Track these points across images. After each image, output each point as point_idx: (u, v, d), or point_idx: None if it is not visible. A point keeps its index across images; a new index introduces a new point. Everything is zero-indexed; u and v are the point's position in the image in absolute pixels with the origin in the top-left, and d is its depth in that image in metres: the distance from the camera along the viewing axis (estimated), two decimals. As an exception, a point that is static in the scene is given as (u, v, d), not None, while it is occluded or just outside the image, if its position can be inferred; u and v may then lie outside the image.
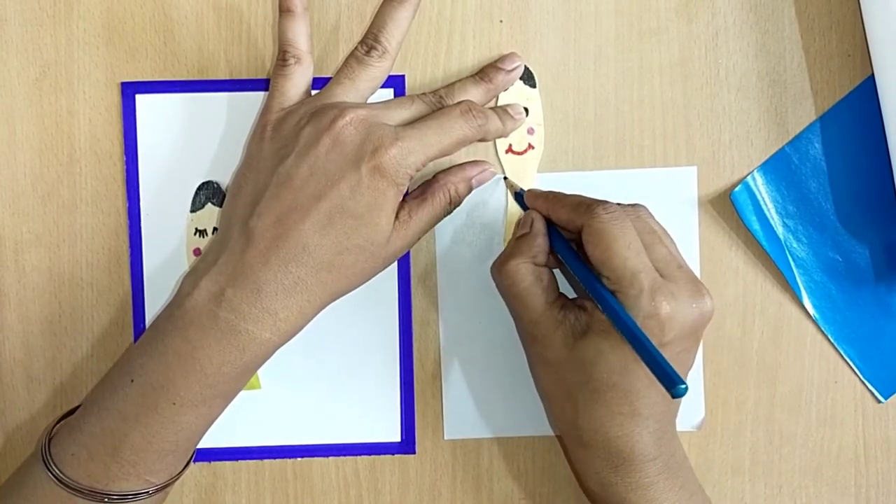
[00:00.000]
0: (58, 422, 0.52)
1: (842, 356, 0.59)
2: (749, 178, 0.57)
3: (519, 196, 0.56)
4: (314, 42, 0.56)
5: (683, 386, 0.44)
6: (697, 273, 0.58)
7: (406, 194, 0.54)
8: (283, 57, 0.54)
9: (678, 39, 0.58)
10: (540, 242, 0.53)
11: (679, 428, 0.57)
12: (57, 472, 0.49)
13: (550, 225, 0.54)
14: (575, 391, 0.50)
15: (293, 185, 0.50)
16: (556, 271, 0.56)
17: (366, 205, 0.50)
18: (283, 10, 0.54)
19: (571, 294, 0.57)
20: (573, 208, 0.52)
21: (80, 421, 0.50)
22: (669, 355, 0.48)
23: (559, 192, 0.55)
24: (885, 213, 0.58)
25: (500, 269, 0.53)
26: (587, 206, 0.51)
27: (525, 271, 0.52)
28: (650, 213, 0.52)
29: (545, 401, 0.57)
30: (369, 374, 0.58)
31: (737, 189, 0.57)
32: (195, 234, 0.57)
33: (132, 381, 0.49)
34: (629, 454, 0.50)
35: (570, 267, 0.52)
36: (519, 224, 0.55)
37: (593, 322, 0.50)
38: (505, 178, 0.57)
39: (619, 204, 0.51)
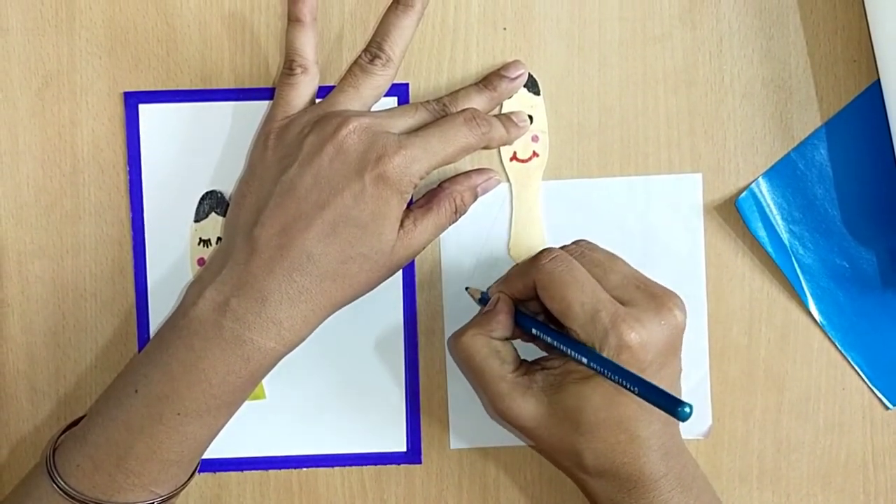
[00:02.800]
0: (62, 432, 0.52)
1: (849, 363, 0.58)
2: (754, 185, 0.57)
3: (483, 296, 0.56)
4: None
5: (687, 408, 0.44)
6: (703, 281, 0.58)
7: (410, 203, 0.54)
8: (289, 66, 0.54)
9: (682, 46, 0.57)
10: (500, 318, 0.52)
11: (686, 436, 0.57)
12: (62, 483, 0.49)
13: (517, 308, 0.53)
14: (568, 439, 0.50)
15: (297, 195, 0.49)
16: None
17: (370, 213, 0.49)
18: (292, 20, 0.54)
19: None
20: (520, 273, 0.53)
21: (85, 432, 0.50)
22: (653, 378, 0.48)
23: (507, 273, 0.55)
24: (891, 219, 0.58)
25: (454, 341, 0.53)
26: (530, 262, 0.52)
27: (480, 343, 0.52)
28: (593, 245, 0.53)
29: (547, 457, 0.55)
30: (374, 383, 0.57)
31: (742, 196, 0.57)
32: (199, 243, 0.57)
33: (136, 391, 0.49)
34: (639, 476, 0.50)
35: (537, 330, 0.52)
36: (481, 310, 0.55)
37: (565, 374, 0.51)
38: (467, 288, 0.57)
39: (562, 247, 0.52)
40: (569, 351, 0.50)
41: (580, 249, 0.52)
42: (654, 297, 0.50)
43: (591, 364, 0.49)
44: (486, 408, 0.57)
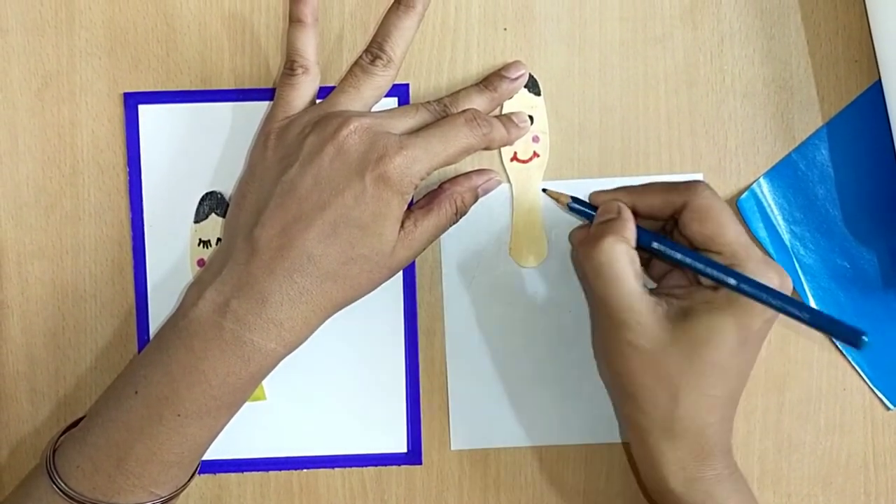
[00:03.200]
0: (62, 433, 0.52)
1: (850, 363, 0.58)
2: (755, 185, 0.57)
3: (576, 202, 0.54)
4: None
5: (865, 336, 0.44)
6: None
7: (410, 203, 0.54)
8: (290, 66, 0.53)
9: (683, 46, 0.57)
10: (631, 226, 0.51)
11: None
12: (62, 484, 0.49)
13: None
14: (676, 377, 0.49)
15: (297, 195, 0.49)
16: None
17: (370, 214, 0.49)
18: (293, 21, 0.54)
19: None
20: (668, 189, 0.52)
21: (85, 433, 0.50)
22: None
23: (636, 185, 0.54)
24: (892, 219, 0.58)
25: (592, 245, 0.50)
26: (686, 185, 0.51)
27: (620, 250, 0.49)
28: None
29: (629, 392, 0.51)
30: (375, 384, 0.57)
31: (743, 196, 0.57)
32: (199, 244, 0.57)
33: (136, 392, 0.49)
34: (716, 443, 0.50)
35: (673, 250, 0.50)
36: (598, 214, 0.53)
37: (694, 302, 0.49)
38: (545, 190, 0.56)
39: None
40: (712, 272, 0.49)
41: None
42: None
43: (743, 287, 0.47)
44: (598, 320, 0.55)
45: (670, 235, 0.54)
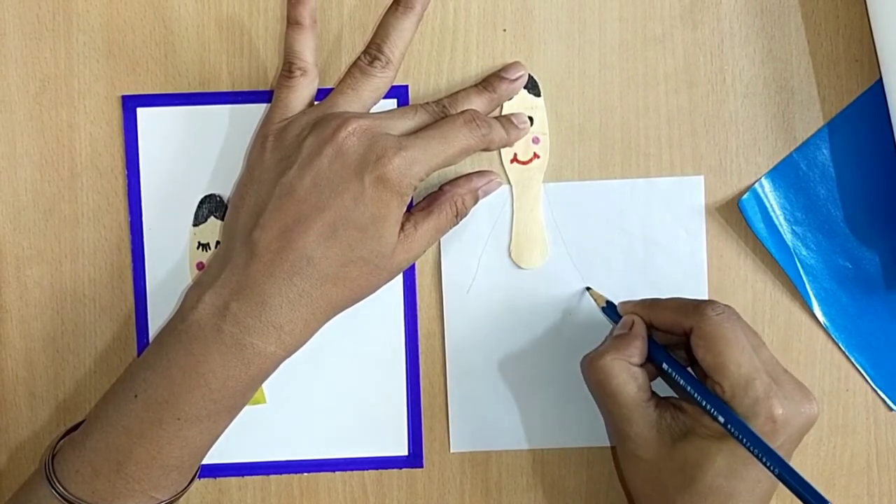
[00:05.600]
0: (61, 438, 0.52)
1: (853, 364, 0.58)
2: (757, 186, 0.57)
3: (610, 306, 0.56)
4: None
5: None
6: (705, 283, 0.58)
7: (410, 205, 0.54)
8: (288, 69, 0.53)
9: (683, 46, 0.57)
10: (639, 344, 0.52)
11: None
12: (61, 489, 0.49)
13: (649, 333, 0.54)
14: (673, 493, 0.50)
15: (296, 197, 0.49)
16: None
17: (370, 216, 0.49)
18: (292, 23, 0.54)
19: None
20: (678, 310, 0.52)
21: (84, 437, 0.50)
22: None
23: (657, 298, 0.54)
24: (894, 219, 0.58)
25: (591, 364, 0.52)
26: (695, 307, 0.51)
27: (619, 368, 0.51)
28: (739, 314, 0.52)
29: (633, 495, 0.54)
30: (375, 387, 0.57)
31: (745, 196, 0.57)
32: (198, 247, 0.56)
33: (136, 396, 0.49)
34: None
35: (676, 374, 0.51)
36: (616, 327, 0.54)
37: (696, 425, 0.50)
38: (588, 288, 0.57)
39: (719, 304, 0.51)
40: (705, 404, 0.49)
41: (736, 314, 0.51)
42: (800, 386, 0.50)
43: (729, 427, 0.48)
44: (608, 429, 0.57)
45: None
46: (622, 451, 0.53)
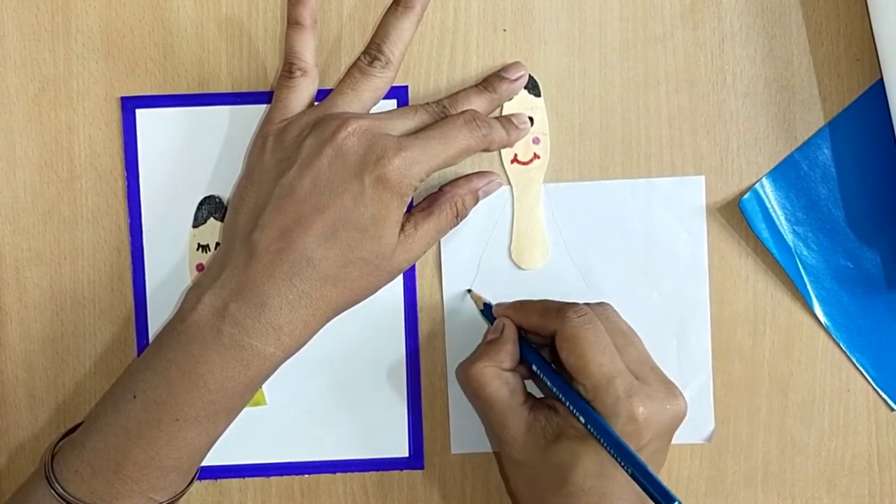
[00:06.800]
0: (60, 438, 0.52)
1: (854, 364, 0.58)
2: (758, 186, 0.57)
3: (487, 308, 0.56)
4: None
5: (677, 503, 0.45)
6: (706, 283, 0.57)
7: (410, 206, 0.54)
8: (289, 69, 0.53)
9: (684, 46, 0.57)
10: (508, 348, 0.53)
11: (689, 440, 0.57)
12: (60, 489, 0.49)
13: (521, 334, 0.54)
14: (548, 495, 0.50)
15: (296, 198, 0.49)
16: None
17: (370, 216, 0.49)
18: (292, 23, 0.54)
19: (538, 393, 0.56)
20: (542, 313, 0.53)
21: (83, 437, 0.50)
22: (645, 457, 0.48)
23: (526, 300, 0.55)
24: (895, 219, 0.57)
25: (464, 372, 0.53)
26: (557, 310, 0.52)
27: (490, 374, 0.52)
28: (616, 312, 0.53)
29: (514, 499, 0.56)
30: (376, 389, 0.57)
31: (745, 196, 0.57)
32: (197, 249, 0.56)
33: (134, 396, 0.49)
34: None
35: (544, 376, 0.52)
36: (488, 331, 0.55)
37: (566, 426, 0.51)
38: (469, 290, 0.57)
39: (585, 304, 0.52)
40: (569, 405, 0.50)
41: (605, 313, 0.53)
42: (665, 382, 0.51)
43: (589, 427, 0.49)
44: (488, 436, 0.57)
45: None
46: (503, 455, 0.53)
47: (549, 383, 0.52)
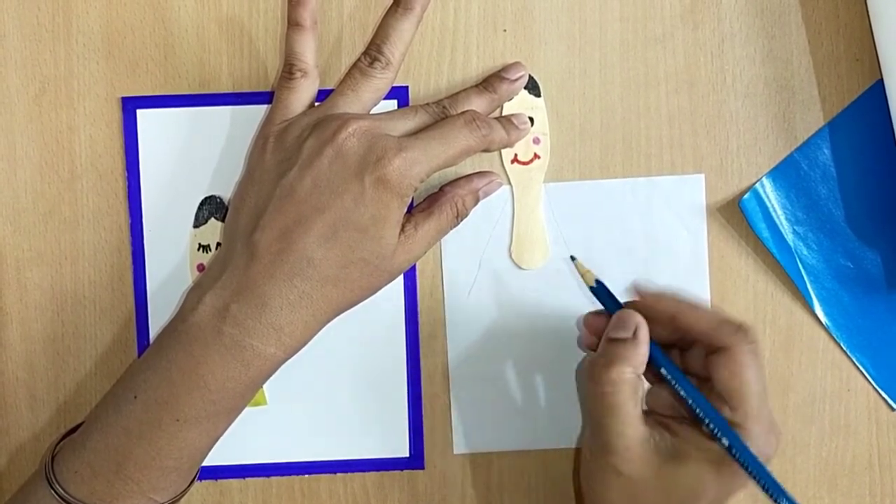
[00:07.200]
0: (61, 439, 0.52)
1: (854, 364, 0.58)
2: (758, 185, 0.57)
3: (600, 286, 0.52)
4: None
5: None
6: (706, 282, 0.58)
7: (410, 206, 0.54)
8: (289, 70, 0.53)
9: (684, 46, 0.57)
10: (643, 351, 0.49)
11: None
12: (60, 490, 0.49)
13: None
14: None
15: (296, 198, 0.49)
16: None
17: (370, 217, 0.49)
18: (292, 24, 0.54)
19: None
20: (717, 324, 0.49)
21: (84, 438, 0.50)
22: None
23: (686, 299, 0.51)
24: (895, 219, 0.57)
25: (600, 375, 0.48)
26: (737, 328, 0.48)
27: (626, 381, 0.48)
28: None
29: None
30: (377, 388, 0.57)
31: (745, 196, 0.57)
32: (198, 249, 0.56)
33: (135, 396, 0.49)
34: None
35: (681, 387, 0.49)
36: (613, 324, 0.50)
37: (687, 448, 0.48)
38: (573, 258, 0.53)
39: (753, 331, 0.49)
40: (709, 423, 0.47)
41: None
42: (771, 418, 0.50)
43: (733, 451, 0.47)
44: (588, 439, 0.52)
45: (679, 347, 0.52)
46: (601, 463, 0.49)
47: (683, 394, 0.48)
